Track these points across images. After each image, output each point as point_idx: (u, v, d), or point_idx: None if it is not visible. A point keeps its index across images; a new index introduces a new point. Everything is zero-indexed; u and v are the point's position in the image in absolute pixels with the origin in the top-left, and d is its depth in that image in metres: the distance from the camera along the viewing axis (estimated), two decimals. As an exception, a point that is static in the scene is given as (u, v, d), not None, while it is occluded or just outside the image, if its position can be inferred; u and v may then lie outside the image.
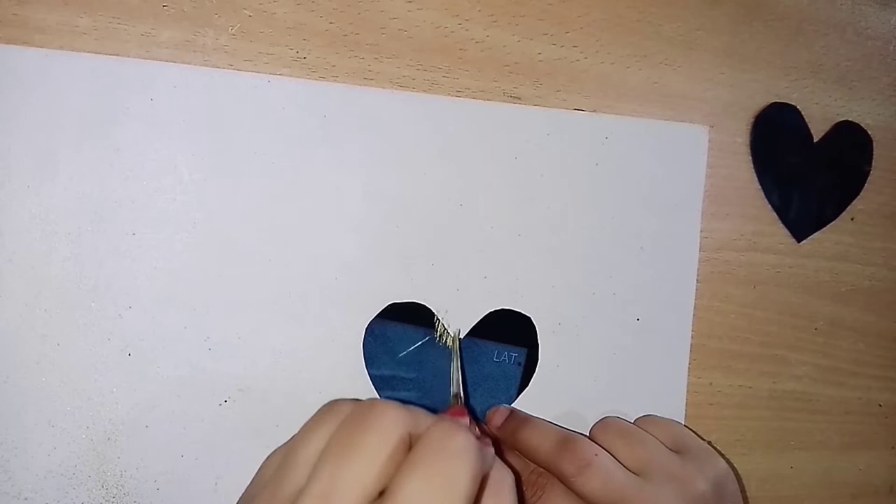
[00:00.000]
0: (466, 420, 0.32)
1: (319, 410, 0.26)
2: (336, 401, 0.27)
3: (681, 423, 0.41)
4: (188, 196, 0.34)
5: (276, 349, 0.35)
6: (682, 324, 0.41)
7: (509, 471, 0.26)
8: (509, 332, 0.39)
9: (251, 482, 0.27)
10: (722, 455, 0.36)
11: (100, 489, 0.33)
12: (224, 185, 0.35)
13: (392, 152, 0.37)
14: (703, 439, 0.38)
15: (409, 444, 0.24)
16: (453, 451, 0.23)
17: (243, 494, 0.27)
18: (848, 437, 0.45)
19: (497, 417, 0.37)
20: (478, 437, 0.24)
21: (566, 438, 0.35)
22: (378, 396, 0.36)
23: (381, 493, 0.22)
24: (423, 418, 0.25)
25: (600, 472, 0.33)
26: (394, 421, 0.23)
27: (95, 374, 0.33)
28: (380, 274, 0.37)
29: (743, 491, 0.39)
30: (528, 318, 0.39)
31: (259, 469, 0.27)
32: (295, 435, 0.26)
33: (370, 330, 0.36)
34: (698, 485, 0.34)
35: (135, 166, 0.34)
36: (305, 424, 0.26)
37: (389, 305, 0.37)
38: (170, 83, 0.34)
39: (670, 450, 0.36)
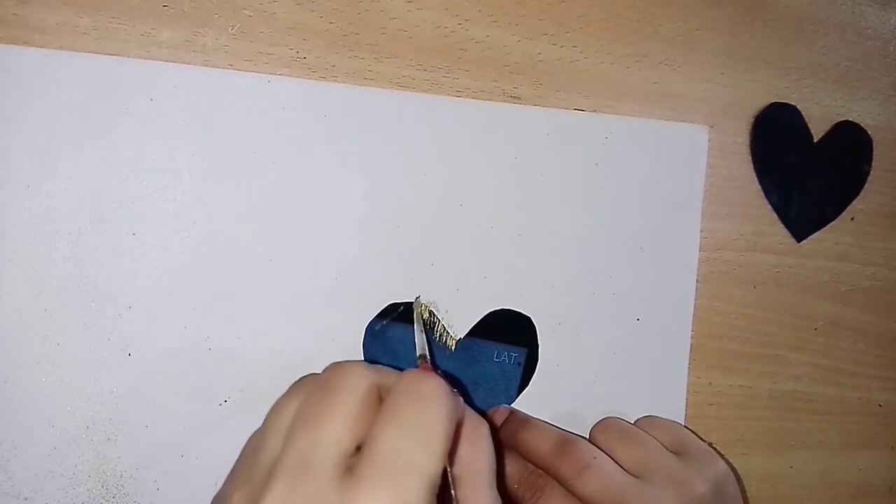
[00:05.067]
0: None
1: (291, 385, 0.26)
2: (304, 376, 0.27)
3: (681, 425, 0.41)
4: (188, 196, 0.34)
5: (276, 349, 0.35)
6: (682, 324, 0.41)
7: (484, 420, 0.26)
8: (509, 332, 0.39)
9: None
10: (722, 456, 0.36)
11: (100, 489, 0.33)
12: (224, 185, 0.35)
13: (392, 152, 0.37)
14: (704, 440, 0.38)
15: (380, 398, 0.24)
16: (425, 394, 0.23)
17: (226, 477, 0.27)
18: (848, 437, 0.45)
19: (497, 418, 0.37)
20: None
21: (565, 440, 0.35)
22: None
23: (359, 448, 0.22)
24: (390, 373, 0.25)
25: (599, 474, 0.33)
26: (359, 377, 0.24)
27: (95, 374, 0.33)
28: (380, 274, 0.37)
29: (743, 492, 0.39)
30: (528, 318, 0.39)
31: (240, 452, 0.27)
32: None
33: (370, 330, 0.36)
34: (697, 487, 0.33)
35: (135, 166, 0.34)
36: (275, 402, 0.26)
37: (389, 305, 0.37)
38: (170, 83, 0.34)
39: (670, 451, 0.36)
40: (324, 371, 0.25)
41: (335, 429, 0.22)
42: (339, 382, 0.23)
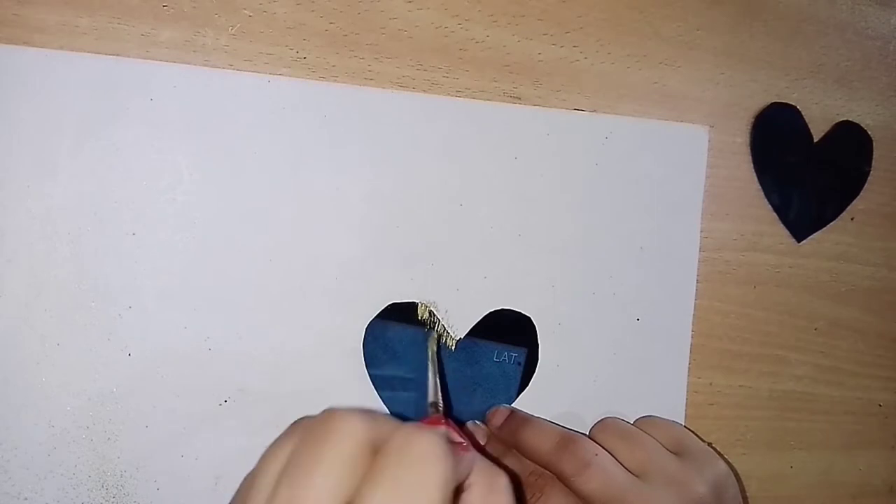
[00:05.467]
0: (442, 429, 0.30)
1: (287, 427, 0.25)
2: (301, 418, 0.26)
3: (681, 425, 0.41)
4: (188, 196, 0.34)
5: (276, 349, 0.35)
6: (681, 324, 0.41)
7: (502, 471, 0.25)
8: (509, 332, 0.39)
9: None
10: (723, 457, 0.36)
11: (100, 489, 0.33)
12: (224, 185, 0.34)
13: (392, 152, 0.37)
14: (704, 441, 0.38)
15: (374, 451, 0.22)
16: (418, 455, 0.21)
17: None
18: (848, 437, 0.45)
19: (497, 417, 0.37)
20: (453, 443, 0.23)
21: (567, 438, 0.35)
22: (378, 396, 0.36)
23: None
24: (387, 425, 0.23)
25: (600, 473, 0.33)
26: (353, 429, 0.22)
27: (95, 374, 0.33)
28: (380, 274, 0.37)
29: (743, 492, 0.39)
30: (528, 318, 0.39)
31: (235, 491, 0.26)
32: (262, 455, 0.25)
33: (370, 330, 0.36)
34: (697, 487, 0.33)
35: (135, 166, 0.34)
36: (270, 444, 0.25)
37: (390, 305, 0.37)
38: (169, 83, 0.34)
39: (670, 452, 0.36)
40: (318, 416, 0.24)
41: (324, 485, 0.21)
42: (333, 432, 0.22)
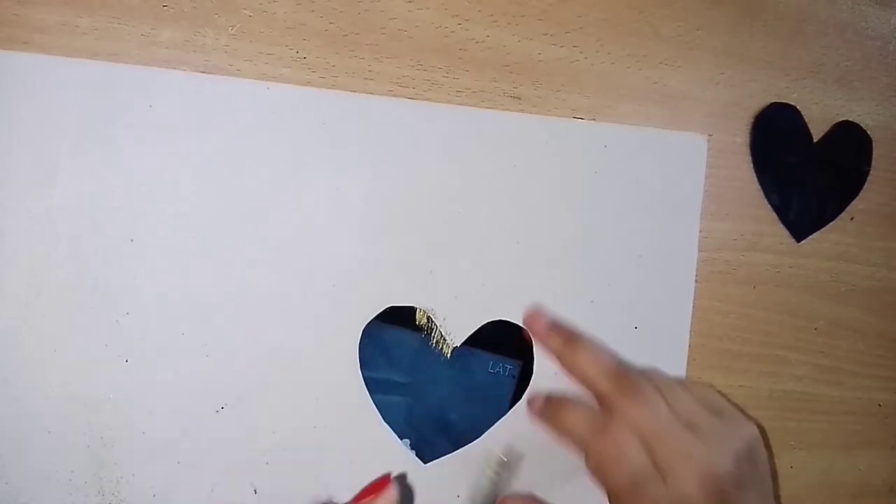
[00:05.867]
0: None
1: None
2: None
3: (711, 387, 0.41)
4: (187, 202, 0.34)
5: (273, 356, 0.35)
6: (679, 333, 0.41)
7: None
8: (506, 343, 0.38)
9: None
10: (753, 420, 0.36)
11: (97, 495, 0.33)
12: (222, 190, 0.34)
13: (391, 159, 0.36)
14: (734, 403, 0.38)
15: None
16: None
17: None
18: (848, 437, 0.45)
19: (539, 324, 0.38)
20: None
21: (624, 372, 0.35)
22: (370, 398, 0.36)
23: None
24: None
25: (654, 409, 0.34)
26: None
27: (93, 381, 0.33)
28: (378, 282, 0.36)
29: (771, 457, 0.39)
30: (525, 331, 0.38)
31: None
32: None
33: (367, 332, 0.36)
34: (736, 444, 0.34)
35: (134, 172, 0.33)
36: None
37: (387, 308, 0.36)
38: (169, 89, 0.33)
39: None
40: None
41: None
42: None
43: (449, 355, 0.38)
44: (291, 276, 0.35)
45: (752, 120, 0.43)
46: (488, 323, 0.38)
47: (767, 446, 0.39)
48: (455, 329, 0.38)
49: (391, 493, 0.33)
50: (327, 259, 0.36)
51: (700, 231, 0.41)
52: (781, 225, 0.43)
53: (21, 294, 0.32)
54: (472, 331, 0.38)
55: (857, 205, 0.45)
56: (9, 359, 0.32)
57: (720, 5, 0.42)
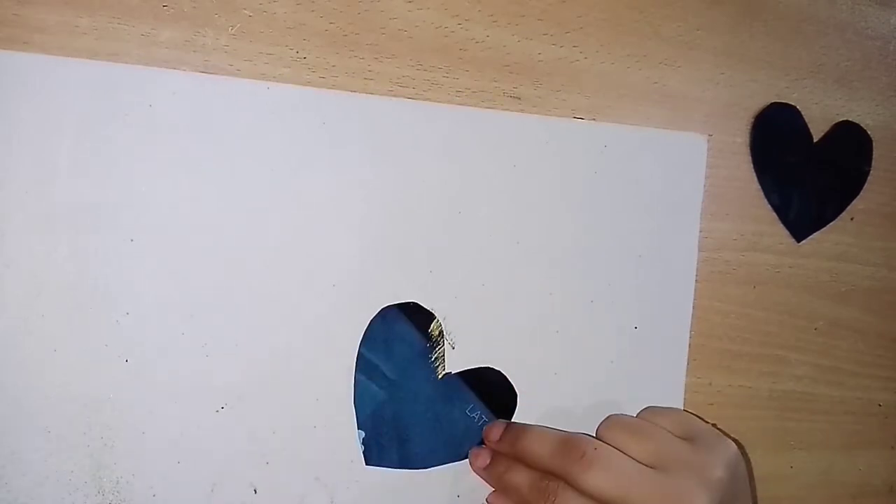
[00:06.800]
0: None
1: None
2: None
3: (683, 410, 0.40)
4: (187, 202, 0.34)
5: (273, 356, 0.35)
6: (680, 333, 0.41)
7: None
8: (494, 394, 0.38)
9: None
10: (728, 435, 0.36)
11: (96, 495, 0.33)
12: (222, 191, 0.34)
13: (391, 160, 0.36)
14: (707, 422, 0.37)
15: None
16: None
17: None
18: (848, 437, 0.45)
19: (493, 432, 0.37)
20: None
21: (565, 438, 0.34)
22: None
23: None
24: None
25: (606, 465, 0.32)
26: None
27: (92, 380, 0.33)
28: (378, 282, 0.36)
29: (749, 468, 0.39)
30: (515, 393, 0.38)
31: None
32: None
33: (383, 314, 0.36)
34: (714, 471, 0.33)
35: (133, 173, 0.33)
36: None
37: (412, 303, 0.37)
38: (169, 89, 0.33)
39: (679, 438, 0.35)
40: None
41: None
42: None
43: (439, 377, 0.37)
44: (291, 276, 0.35)
45: (752, 120, 0.43)
46: (488, 367, 0.38)
47: (747, 460, 0.39)
48: (456, 329, 0.37)
49: None
50: (327, 259, 0.36)
51: (700, 231, 0.41)
52: (781, 225, 0.43)
53: (21, 294, 0.32)
54: (473, 366, 0.38)
55: (857, 205, 0.45)
56: (9, 359, 0.32)
57: (720, 5, 0.42)
